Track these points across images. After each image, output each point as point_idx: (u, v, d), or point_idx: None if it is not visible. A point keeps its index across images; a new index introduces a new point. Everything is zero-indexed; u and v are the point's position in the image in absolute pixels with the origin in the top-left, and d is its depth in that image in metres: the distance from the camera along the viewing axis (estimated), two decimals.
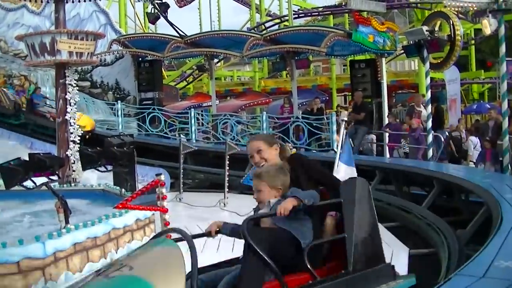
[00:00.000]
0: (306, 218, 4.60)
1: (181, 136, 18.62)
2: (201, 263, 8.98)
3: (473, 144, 18.93)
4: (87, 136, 18.02)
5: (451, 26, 18.14)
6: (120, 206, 5.89)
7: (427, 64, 17.56)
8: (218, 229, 4.87)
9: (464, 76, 33.19)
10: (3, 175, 10.41)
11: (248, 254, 4.31)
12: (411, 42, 18.53)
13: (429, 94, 17.28)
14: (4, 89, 23.90)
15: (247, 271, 4.27)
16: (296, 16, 35.80)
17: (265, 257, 4.15)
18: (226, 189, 15.46)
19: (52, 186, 10.82)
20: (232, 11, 65.52)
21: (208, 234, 4.76)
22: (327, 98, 32.56)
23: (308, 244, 4.43)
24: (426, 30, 17.13)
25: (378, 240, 4.80)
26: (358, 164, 16.78)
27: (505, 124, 14.25)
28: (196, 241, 9.93)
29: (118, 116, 23.50)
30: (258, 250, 4.20)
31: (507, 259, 5.53)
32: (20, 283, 8.05)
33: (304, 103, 25.41)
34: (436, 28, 18.57)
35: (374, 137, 20.58)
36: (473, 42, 34.13)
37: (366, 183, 4.90)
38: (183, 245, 4.00)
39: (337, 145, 11.77)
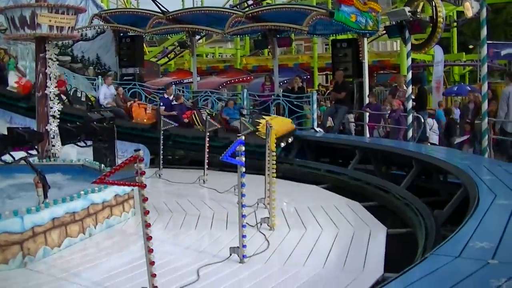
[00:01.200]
0: None
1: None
2: (178, 240, 9.03)
3: (429, 126, 19.05)
4: None
5: (434, 7, 18.16)
6: (98, 181, 5.87)
7: (409, 45, 17.61)
8: None
9: (446, 58, 33.31)
10: None
11: None
12: (393, 23, 18.57)
13: (410, 75, 17.36)
14: None
15: None
16: None
17: None
18: (206, 166, 15.47)
19: (31, 161, 10.78)
20: None
21: None
22: (309, 76, 32.60)
23: None
24: (409, 11, 17.16)
25: None
26: (338, 143, 16.98)
27: (485, 106, 14.34)
28: (175, 219, 9.98)
29: (98, 91, 23.38)
30: None
31: (483, 240, 5.60)
32: None
33: (285, 81, 25.46)
34: (419, 10, 18.58)
35: (351, 116, 20.68)
36: (455, 24, 34.22)
37: None
38: None
39: None
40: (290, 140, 16.73)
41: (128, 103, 19.59)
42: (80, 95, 19.94)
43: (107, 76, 22.13)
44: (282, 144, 16.08)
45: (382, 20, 23.90)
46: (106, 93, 20.59)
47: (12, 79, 20.94)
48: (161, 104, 18.94)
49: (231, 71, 33.31)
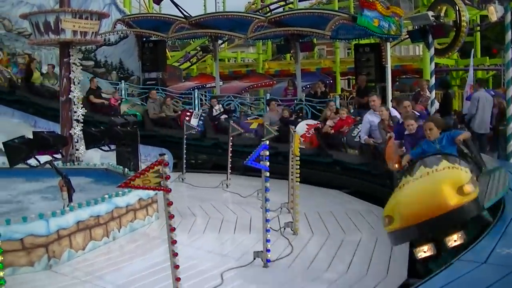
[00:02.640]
0: None
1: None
2: (201, 244, 9.06)
3: None
4: None
5: (457, 12, 18.06)
6: (124, 185, 5.90)
7: (432, 50, 17.52)
8: None
9: (468, 62, 33.11)
10: (7, 153, 10.44)
11: None
12: (416, 27, 18.46)
13: (433, 80, 17.27)
14: None
15: None
16: None
17: None
18: (229, 170, 15.50)
19: (56, 165, 10.85)
20: None
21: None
22: (331, 81, 32.50)
23: None
24: (432, 16, 17.06)
25: None
26: None
27: (510, 111, 14.24)
28: (198, 223, 9.96)
29: (121, 95, 23.47)
30: None
31: (509, 246, 5.56)
32: (23, 259, 8.13)
33: (308, 86, 25.37)
34: (442, 14, 18.46)
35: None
36: (478, 28, 33.98)
37: None
38: None
39: None
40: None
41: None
42: None
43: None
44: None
45: (405, 24, 23.76)
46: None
47: None
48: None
49: (254, 76, 33.23)
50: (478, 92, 17.36)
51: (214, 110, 19.74)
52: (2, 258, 5.88)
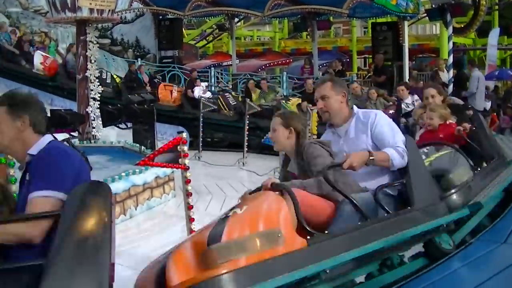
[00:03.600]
0: None
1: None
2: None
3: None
4: None
5: None
6: (142, 163, 5.91)
7: (450, 29, 17.43)
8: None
9: (485, 41, 32.86)
10: None
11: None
12: (434, 6, 18.33)
13: (451, 59, 17.18)
14: None
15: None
16: None
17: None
18: (245, 149, 15.50)
19: (73, 142, 10.88)
20: None
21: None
22: (348, 60, 32.38)
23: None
24: None
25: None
26: None
27: None
28: (215, 201, 9.88)
29: (138, 74, 23.50)
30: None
31: None
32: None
33: (325, 64, 25.29)
34: None
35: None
36: (496, 7, 33.71)
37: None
38: None
39: None
40: None
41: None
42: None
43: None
44: None
45: (423, 2, 23.61)
46: None
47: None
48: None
49: (270, 54, 33.16)
50: (475, 71, 17.43)
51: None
52: None
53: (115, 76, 21.10)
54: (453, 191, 5.33)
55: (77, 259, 2.89)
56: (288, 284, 3.56)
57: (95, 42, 14.85)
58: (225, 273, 3.35)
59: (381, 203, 4.62)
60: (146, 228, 9.56)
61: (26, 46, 22.08)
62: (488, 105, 18.00)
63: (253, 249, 3.52)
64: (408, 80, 20.82)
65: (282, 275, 3.50)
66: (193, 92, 19.27)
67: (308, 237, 3.82)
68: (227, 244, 3.49)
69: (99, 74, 18.34)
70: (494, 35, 26.05)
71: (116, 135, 16.14)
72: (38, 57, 21.11)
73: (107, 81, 19.81)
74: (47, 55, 21.75)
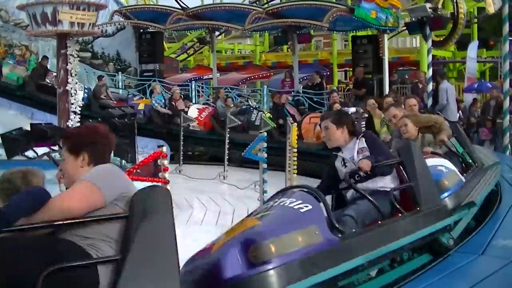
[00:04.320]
0: None
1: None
2: (198, 236, 9.02)
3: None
4: None
5: (455, 3, 18.10)
6: None
7: (429, 42, 17.54)
8: None
9: (465, 54, 33.10)
10: (5, 144, 10.47)
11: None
12: (414, 19, 18.47)
13: (430, 72, 17.29)
14: None
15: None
16: None
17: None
18: (226, 162, 15.51)
19: (53, 156, 10.86)
20: None
21: None
22: (328, 73, 32.50)
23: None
24: (429, 8, 17.09)
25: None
26: None
27: (506, 103, 14.28)
28: (195, 215, 9.84)
29: (118, 87, 23.49)
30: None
31: (505, 237, 5.59)
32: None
33: (305, 77, 25.40)
34: (439, 6, 18.47)
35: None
36: (475, 20, 33.95)
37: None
38: None
39: None
40: None
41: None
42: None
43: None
44: None
45: (402, 16, 23.76)
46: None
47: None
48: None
49: (251, 67, 33.25)
50: (444, 83, 17.33)
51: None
52: None
53: None
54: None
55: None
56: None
57: (76, 55, 14.85)
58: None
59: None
60: None
61: None
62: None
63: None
64: (389, 93, 20.96)
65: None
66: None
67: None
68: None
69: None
70: (473, 48, 26.29)
71: None
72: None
73: None
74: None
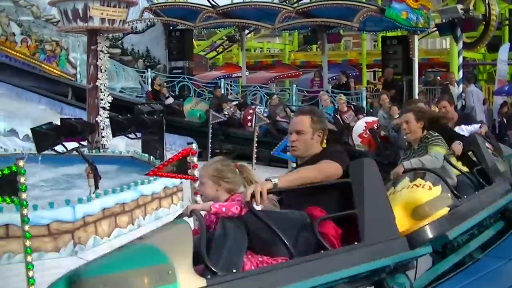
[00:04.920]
0: None
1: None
2: None
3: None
4: None
5: (487, 5, 17.93)
6: (151, 173, 5.93)
7: (460, 43, 17.44)
8: None
9: (496, 56, 32.82)
10: (35, 139, 10.53)
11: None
12: (445, 20, 18.35)
13: (461, 74, 17.18)
14: None
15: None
16: None
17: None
18: (254, 161, 15.51)
19: (83, 152, 10.93)
20: None
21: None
22: (357, 73, 32.39)
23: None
24: (461, 9, 16.98)
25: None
26: None
27: None
28: None
29: (148, 84, 23.57)
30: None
31: None
32: (50, 245, 8.20)
33: (334, 77, 25.34)
34: (471, 7, 18.36)
35: None
36: (507, 22, 33.64)
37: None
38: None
39: None
40: None
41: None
42: None
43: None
44: None
45: (433, 17, 23.62)
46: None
47: None
48: None
49: (279, 66, 33.24)
50: (470, 87, 17.69)
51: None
52: (30, 243, 5.89)
53: None
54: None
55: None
56: None
57: (106, 51, 14.94)
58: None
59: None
60: None
61: None
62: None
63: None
64: (418, 94, 20.84)
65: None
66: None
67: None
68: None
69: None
70: (504, 50, 26.02)
71: (125, 145, 16.17)
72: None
73: None
74: None
